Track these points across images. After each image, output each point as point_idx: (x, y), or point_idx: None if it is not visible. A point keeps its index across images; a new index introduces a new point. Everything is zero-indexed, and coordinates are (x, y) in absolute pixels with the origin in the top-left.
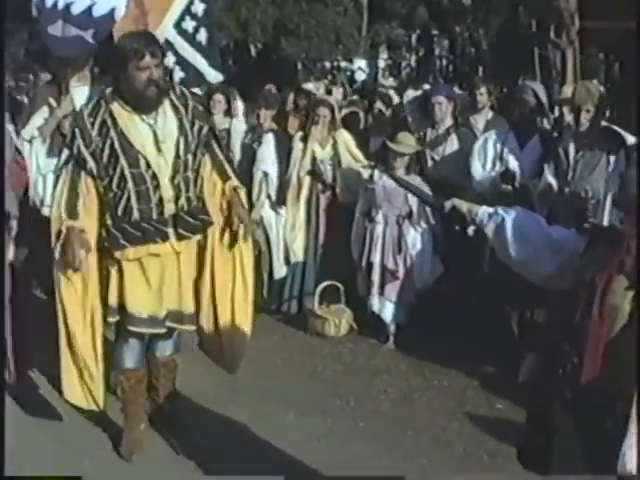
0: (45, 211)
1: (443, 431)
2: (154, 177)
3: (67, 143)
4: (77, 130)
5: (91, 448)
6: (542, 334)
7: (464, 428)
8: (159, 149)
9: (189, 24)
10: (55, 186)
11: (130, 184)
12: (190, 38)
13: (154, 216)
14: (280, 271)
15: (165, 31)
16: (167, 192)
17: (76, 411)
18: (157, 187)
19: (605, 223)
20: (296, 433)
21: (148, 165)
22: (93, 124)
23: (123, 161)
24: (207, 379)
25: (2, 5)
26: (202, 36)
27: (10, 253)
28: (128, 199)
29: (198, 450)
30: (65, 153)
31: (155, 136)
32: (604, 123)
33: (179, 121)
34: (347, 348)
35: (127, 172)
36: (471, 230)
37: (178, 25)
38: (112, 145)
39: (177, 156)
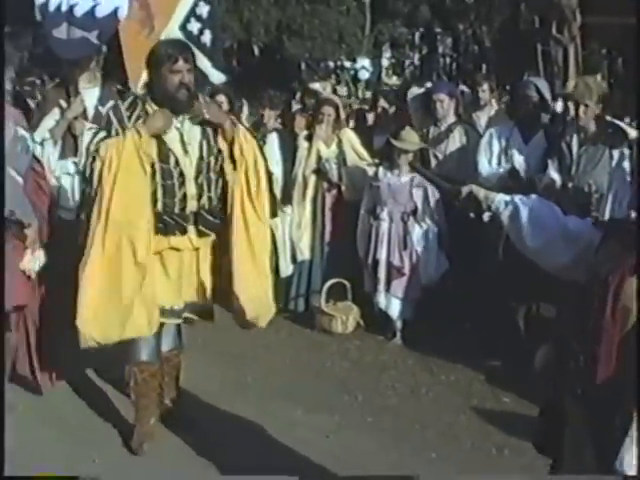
0: (61, 214)
1: (450, 425)
2: (181, 174)
3: (104, 126)
4: (115, 119)
5: (102, 445)
6: (551, 328)
7: (471, 422)
8: (185, 150)
9: (194, 26)
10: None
11: (158, 177)
12: (195, 40)
13: (176, 210)
14: (287, 269)
15: (171, 33)
16: (191, 190)
17: (87, 407)
18: (182, 184)
19: (607, 217)
20: (304, 429)
21: (177, 162)
22: (130, 117)
23: (155, 158)
24: (214, 377)
25: (2, 6)
26: (207, 37)
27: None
28: (154, 191)
29: (206, 448)
30: (100, 135)
31: (181, 137)
32: (607, 118)
33: (201, 127)
34: (354, 345)
35: (157, 166)
36: (486, 216)
37: (184, 27)
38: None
39: (201, 157)
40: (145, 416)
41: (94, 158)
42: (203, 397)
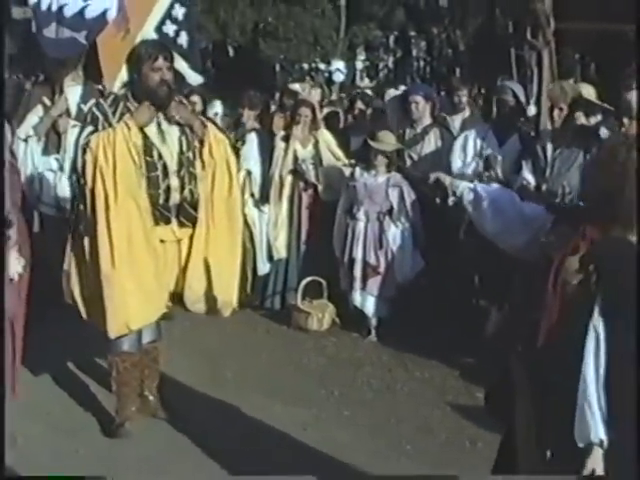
0: (43, 209)
1: (425, 419)
2: (164, 167)
3: (90, 122)
4: (100, 114)
5: (84, 435)
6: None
7: (446, 416)
8: (166, 145)
9: (170, 28)
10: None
11: (143, 169)
12: (171, 42)
13: (161, 202)
14: (263, 268)
15: (147, 35)
16: (174, 182)
17: (69, 399)
18: (166, 176)
19: None
20: (282, 422)
21: (160, 156)
22: (114, 113)
23: (141, 150)
24: (192, 372)
25: (2, 6)
26: (183, 39)
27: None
28: (143, 186)
29: (188, 438)
30: (88, 129)
31: (162, 133)
32: (582, 121)
33: (178, 123)
34: (330, 342)
35: (142, 159)
36: (451, 201)
37: (159, 29)
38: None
39: (181, 152)
40: (126, 404)
41: (85, 151)
42: (180, 392)
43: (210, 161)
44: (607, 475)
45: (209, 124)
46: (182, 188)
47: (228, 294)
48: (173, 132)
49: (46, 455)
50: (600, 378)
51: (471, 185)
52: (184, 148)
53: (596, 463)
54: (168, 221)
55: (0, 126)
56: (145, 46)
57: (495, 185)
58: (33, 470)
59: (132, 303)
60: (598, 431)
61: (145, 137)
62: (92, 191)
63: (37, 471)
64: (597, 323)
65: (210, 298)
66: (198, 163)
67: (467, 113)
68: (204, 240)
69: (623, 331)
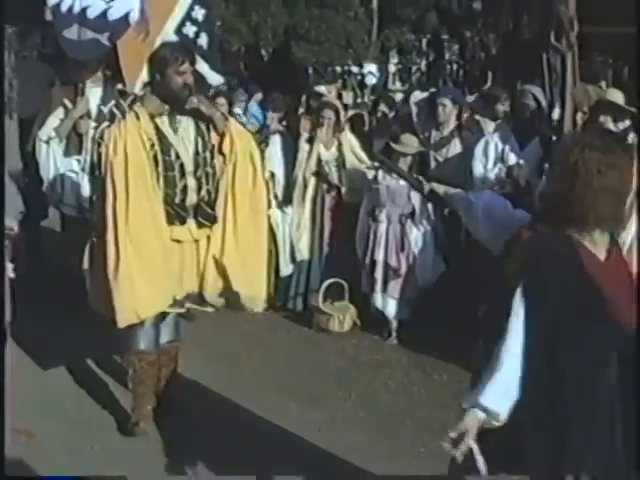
0: (64, 210)
1: (441, 422)
2: (181, 167)
3: (108, 119)
4: (119, 113)
5: (100, 432)
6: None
7: (461, 420)
8: (183, 144)
9: (190, 29)
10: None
11: (160, 168)
12: (191, 43)
13: (177, 201)
14: (286, 269)
15: (167, 37)
16: (191, 182)
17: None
18: (183, 176)
19: None
20: (297, 423)
21: (177, 156)
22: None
23: (157, 147)
24: (211, 372)
25: (2, 6)
26: (203, 40)
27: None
28: (157, 181)
29: (201, 438)
30: (104, 125)
31: (179, 133)
32: (609, 126)
33: (195, 123)
34: (351, 344)
35: (159, 157)
36: (446, 211)
37: (179, 31)
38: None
39: (197, 152)
40: (142, 403)
41: (99, 144)
42: (198, 391)
43: (231, 154)
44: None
45: (231, 118)
46: (199, 188)
47: (255, 288)
48: (189, 132)
49: (63, 451)
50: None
51: (463, 194)
52: (200, 149)
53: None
54: (183, 221)
55: (0, 126)
56: (171, 48)
57: (487, 192)
58: (49, 465)
59: (140, 292)
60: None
61: (160, 133)
62: (105, 182)
63: (53, 467)
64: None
65: (234, 293)
66: (217, 160)
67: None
68: (223, 237)
69: (539, 318)
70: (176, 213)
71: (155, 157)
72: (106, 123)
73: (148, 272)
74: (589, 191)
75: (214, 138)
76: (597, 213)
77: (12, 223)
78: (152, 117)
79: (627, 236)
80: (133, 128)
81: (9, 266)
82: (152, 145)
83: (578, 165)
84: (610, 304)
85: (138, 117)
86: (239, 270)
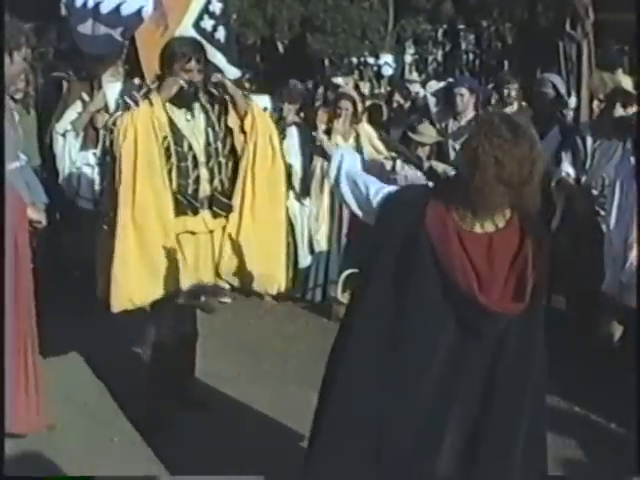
0: (81, 203)
1: None
2: (194, 158)
3: (122, 109)
4: (132, 102)
5: (119, 424)
6: None
7: None
8: (194, 136)
9: (207, 23)
10: None
11: (173, 159)
12: (209, 37)
13: (189, 191)
14: (304, 260)
15: (185, 31)
16: (203, 172)
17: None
18: (196, 166)
19: (615, 209)
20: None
21: (190, 147)
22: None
23: (170, 137)
24: (231, 363)
25: (2, 4)
26: (220, 34)
27: None
28: (169, 171)
29: (220, 430)
30: (117, 113)
31: (191, 125)
32: (619, 112)
33: (205, 114)
34: None
35: (172, 148)
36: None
37: (197, 24)
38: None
39: (208, 144)
40: (160, 396)
41: (112, 131)
42: (219, 382)
43: (252, 132)
44: None
45: (251, 98)
46: (212, 179)
47: (271, 268)
48: (200, 124)
49: (82, 443)
50: None
51: None
52: (211, 139)
53: None
54: (196, 211)
55: (0, 126)
56: (180, 44)
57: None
58: (69, 458)
59: (136, 278)
60: None
61: (173, 124)
62: (113, 167)
63: (73, 459)
64: None
65: (249, 272)
66: (237, 139)
67: (515, 107)
68: (240, 215)
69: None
70: (189, 203)
71: (168, 148)
72: (119, 112)
73: (147, 259)
74: (484, 180)
75: (233, 120)
76: (486, 201)
77: (40, 216)
78: (165, 105)
79: None
80: (145, 115)
81: None
82: (165, 137)
83: (478, 152)
84: (461, 273)
85: (152, 104)
86: (255, 249)
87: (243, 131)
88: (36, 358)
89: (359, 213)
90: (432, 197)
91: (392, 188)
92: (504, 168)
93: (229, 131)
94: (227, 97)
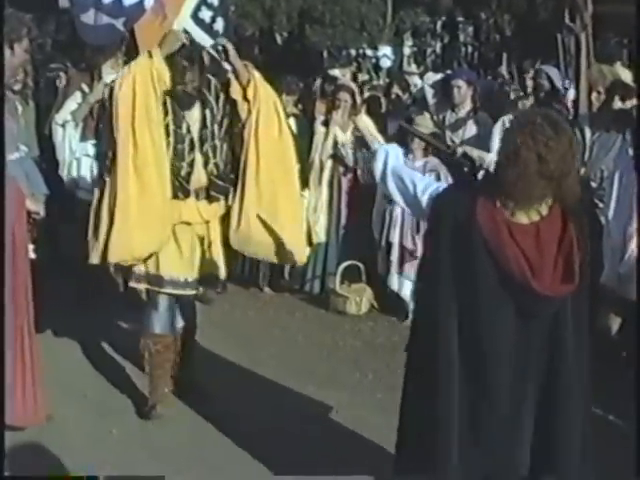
0: (80, 194)
1: None
2: (191, 141)
3: None
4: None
5: (118, 416)
6: None
7: None
8: (191, 118)
9: (206, 14)
10: None
11: (172, 139)
12: (207, 27)
13: (182, 174)
14: None
15: (183, 21)
16: (198, 157)
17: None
18: (192, 150)
19: (613, 201)
20: (314, 405)
21: (189, 129)
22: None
23: (170, 118)
24: (228, 355)
25: (1, 6)
26: (219, 25)
27: None
28: (166, 135)
29: (220, 420)
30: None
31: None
32: (618, 105)
33: (200, 100)
34: (367, 325)
35: (171, 128)
36: (480, 175)
37: (195, 15)
38: (165, 103)
39: (204, 126)
40: (159, 386)
41: (112, 89)
42: (218, 373)
43: (254, 100)
44: None
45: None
46: (206, 163)
47: (294, 237)
48: (195, 108)
49: (81, 435)
50: None
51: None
52: (208, 122)
53: None
54: (187, 194)
55: (0, 126)
56: (178, 56)
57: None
58: (68, 449)
59: (137, 229)
60: None
61: (175, 105)
62: (110, 116)
63: (72, 450)
64: None
65: (269, 243)
66: (241, 108)
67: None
68: (243, 185)
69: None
70: (180, 185)
71: (167, 127)
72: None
73: (148, 209)
74: (526, 176)
75: (235, 90)
76: (528, 195)
77: (38, 207)
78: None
79: None
80: (144, 67)
81: (30, 247)
82: (160, 82)
83: (521, 150)
84: (515, 264)
85: (151, 56)
86: (270, 221)
87: (246, 99)
88: (34, 350)
89: (407, 209)
90: (480, 193)
91: (440, 185)
92: (548, 164)
93: (230, 107)
94: (229, 66)
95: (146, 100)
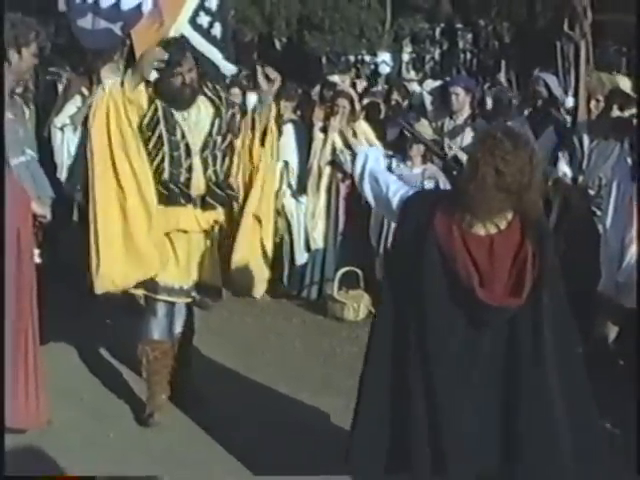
0: (79, 198)
1: None
2: (187, 147)
3: None
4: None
5: (115, 420)
6: None
7: None
8: (191, 128)
9: (204, 19)
10: None
11: (166, 148)
12: (205, 33)
13: (182, 180)
14: (301, 258)
15: (181, 27)
16: (196, 162)
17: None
18: (188, 155)
19: (611, 209)
20: (309, 411)
21: (183, 135)
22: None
23: (162, 126)
24: (226, 361)
25: (1, 6)
26: (217, 30)
27: None
28: (162, 160)
29: (215, 426)
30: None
31: (187, 122)
32: (616, 113)
33: (216, 108)
34: (365, 332)
35: (164, 137)
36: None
37: (193, 20)
38: (156, 110)
39: (209, 134)
40: (156, 392)
41: (86, 117)
42: (215, 379)
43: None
44: None
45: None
46: (205, 169)
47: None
48: (207, 113)
49: (78, 439)
50: None
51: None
52: (214, 131)
53: None
54: (189, 199)
55: (0, 126)
56: (161, 52)
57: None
58: (66, 453)
59: (120, 260)
60: None
61: (167, 112)
62: (91, 149)
63: (70, 454)
64: None
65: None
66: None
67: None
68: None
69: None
70: (180, 191)
71: (160, 136)
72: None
73: (130, 240)
74: (483, 188)
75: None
76: (486, 206)
77: (44, 210)
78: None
79: None
80: (116, 97)
81: (35, 251)
82: (142, 115)
83: (480, 164)
84: (463, 271)
85: (122, 84)
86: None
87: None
88: (37, 353)
89: (373, 204)
90: (443, 201)
91: (410, 189)
92: (504, 177)
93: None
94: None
95: (121, 132)
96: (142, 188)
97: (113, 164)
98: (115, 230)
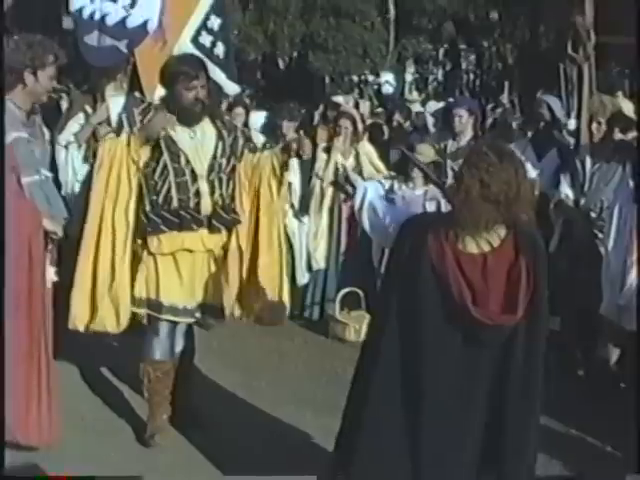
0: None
1: None
2: (192, 172)
3: (114, 130)
4: (126, 123)
5: (117, 439)
6: None
7: None
8: (197, 151)
9: (206, 39)
10: None
11: (171, 176)
12: (208, 52)
13: (191, 205)
14: (302, 278)
15: (183, 46)
16: (203, 186)
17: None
18: (195, 180)
19: (613, 232)
20: (312, 431)
21: (187, 161)
22: (142, 121)
23: (166, 155)
24: (227, 381)
25: (1, 6)
26: (219, 50)
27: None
28: (169, 189)
29: (214, 448)
30: (109, 135)
31: (193, 142)
32: (618, 136)
33: (218, 130)
34: None
35: (169, 165)
36: None
37: (195, 40)
38: (157, 140)
39: (214, 157)
40: (158, 412)
41: (95, 155)
42: (215, 399)
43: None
44: None
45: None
46: (212, 192)
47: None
48: (210, 137)
49: (79, 457)
50: None
51: None
52: (218, 154)
53: None
54: (200, 224)
55: (0, 129)
56: (179, 64)
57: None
58: (66, 470)
59: (85, 307)
60: None
61: (169, 140)
62: (91, 196)
63: (70, 473)
64: None
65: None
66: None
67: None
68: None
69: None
70: (192, 217)
71: (165, 166)
72: (111, 135)
73: (95, 289)
74: (468, 199)
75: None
76: (473, 217)
77: (55, 227)
78: (148, 141)
79: None
80: (123, 152)
81: (51, 270)
82: (137, 168)
83: (465, 177)
84: (457, 290)
85: (129, 144)
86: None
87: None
88: (52, 369)
89: (369, 231)
90: (437, 222)
91: (411, 214)
92: (489, 188)
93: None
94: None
95: (117, 187)
96: (116, 246)
97: (101, 216)
98: (85, 277)
